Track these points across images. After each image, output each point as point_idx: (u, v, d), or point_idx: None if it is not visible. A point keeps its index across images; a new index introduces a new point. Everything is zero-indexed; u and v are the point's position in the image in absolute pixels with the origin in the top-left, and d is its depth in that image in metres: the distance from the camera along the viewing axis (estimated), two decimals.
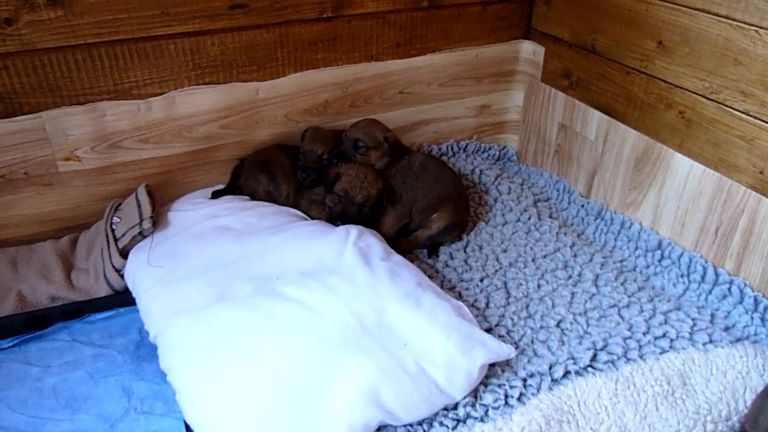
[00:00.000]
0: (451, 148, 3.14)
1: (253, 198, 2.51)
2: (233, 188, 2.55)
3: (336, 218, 2.31)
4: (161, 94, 2.36)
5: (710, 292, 2.10)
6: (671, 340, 1.91)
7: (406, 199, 2.47)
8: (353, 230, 2.16)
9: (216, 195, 2.50)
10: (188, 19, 2.26)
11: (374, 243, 2.14)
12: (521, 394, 1.73)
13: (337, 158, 2.46)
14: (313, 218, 2.42)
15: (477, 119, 3.16)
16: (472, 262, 2.37)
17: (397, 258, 2.11)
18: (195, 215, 2.31)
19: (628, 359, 1.85)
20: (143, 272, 2.10)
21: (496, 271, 2.33)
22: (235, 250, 2.11)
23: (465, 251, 2.45)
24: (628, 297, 2.13)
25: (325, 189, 2.42)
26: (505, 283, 2.25)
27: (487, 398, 1.70)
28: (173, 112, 2.40)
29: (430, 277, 2.22)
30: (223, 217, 2.30)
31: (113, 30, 2.17)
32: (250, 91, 2.49)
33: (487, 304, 2.14)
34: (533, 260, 2.41)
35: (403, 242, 2.45)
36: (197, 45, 2.33)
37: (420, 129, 3.05)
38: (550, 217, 2.70)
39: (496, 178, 2.93)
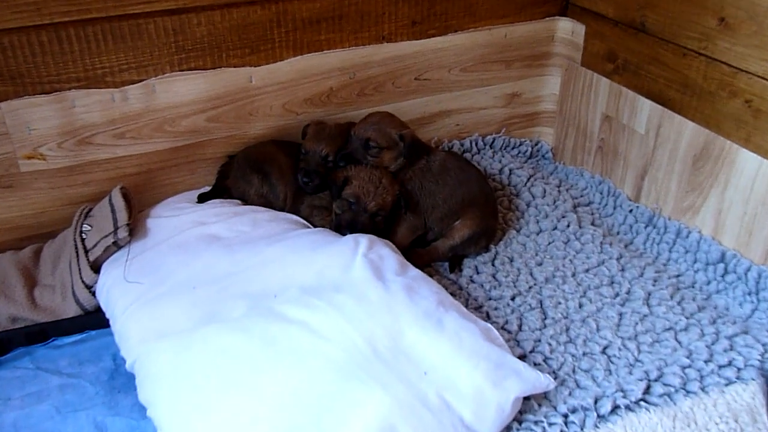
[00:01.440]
0: (476, 144, 3.11)
1: (245, 202, 2.53)
2: (221, 190, 2.57)
3: (344, 227, 2.33)
4: (139, 81, 2.36)
5: None
6: (738, 370, 1.90)
7: (424, 206, 2.48)
8: (363, 240, 2.18)
9: (202, 198, 2.51)
10: None
11: (387, 255, 2.14)
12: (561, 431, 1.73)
13: (345, 160, 2.46)
14: (315, 226, 2.43)
15: (506, 110, 3.13)
16: (502, 277, 2.38)
17: (415, 272, 2.12)
18: (178, 222, 2.32)
19: (688, 392, 1.84)
20: (118, 289, 2.10)
21: (530, 287, 2.33)
22: (225, 263, 2.12)
23: (493, 264, 2.47)
24: (687, 318, 2.12)
25: (331, 194, 2.43)
26: (540, 302, 2.26)
27: None
28: (153, 102, 2.40)
29: (452, 294, 2.21)
30: (211, 224, 2.31)
31: (84, 7, 2.17)
32: (242, 77, 2.50)
33: (520, 327, 2.14)
34: (573, 275, 2.37)
35: (421, 254, 2.47)
36: (180, 24, 2.33)
37: (439, 122, 3.03)
38: (593, 224, 2.63)
39: (528, 179, 2.90)
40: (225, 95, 2.51)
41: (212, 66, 2.45)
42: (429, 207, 2.50)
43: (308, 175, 2.47)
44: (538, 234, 2.62)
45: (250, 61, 2.51)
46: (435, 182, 2.51)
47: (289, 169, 2.54)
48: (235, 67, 2.49)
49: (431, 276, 2.28)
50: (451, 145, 3.08)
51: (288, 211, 2.50)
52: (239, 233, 2.28)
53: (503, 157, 3.04)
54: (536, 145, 3.21)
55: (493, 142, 3.12)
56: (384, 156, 2.48)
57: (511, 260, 2.48)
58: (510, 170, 2.95)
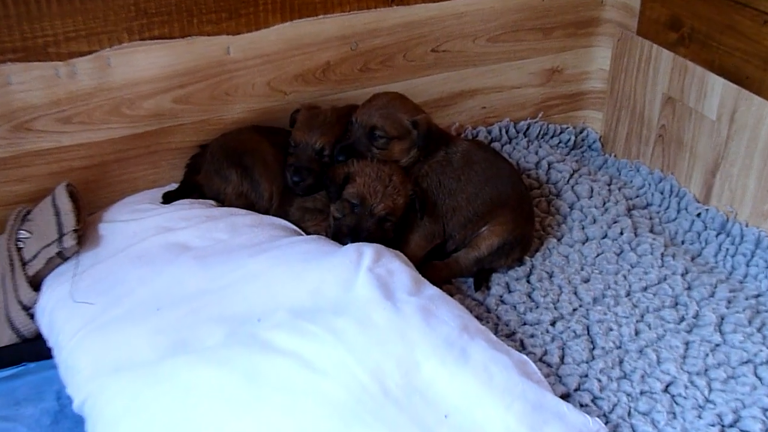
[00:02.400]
0: (507, 132, 3.05)
1: (221, 202, 2.56)
2: (190, 188, 2.60)
3: (345, 234, 2.36)
4: (90, 53, 2.38)
5: None
6: None
7: (443, 208, 2.52)
8: (368, 250, 2.20)
9: (168, 198, 2.53)
10: None
11: (398, 269, 2.17)
12: None
13: (345, 154, 2.49)
14: (308, 233, 2.47)
15: (544, 89, 3.08)
16: (539, 296, 2.40)
17: (432, 291, 2.15)
18: (139, 228, 2.35)
19: None
20: (65, 311, 2.11)
21: (575, 310, 2.35)
22: (197, 278, 2.14)
23: (528, 281, 2.49)
24: None
25: (329, 195, 2.47)
26: (587, 328, 2.28)
27: None
28: (107, 79, 2.42)
29: (478, 318, 2.23)
30: (179, 230, 2.33)
31: None
32: (218, 48, 2.52)
33: (563, 359, 2.16)
34: (628, 294, 2.38)
35: (440, 268, 2.50)
36: None
37: (462, 104, 2.97)
38: (652, 231, 2.63)
39: (571, 175, 2.86)
40: (196, 70, 2.52)
41: (181, 34, 2.46)
42: (449, 210, 2.53)
43: (299, 173, 2.50)
44: (583, 243, 2.60)
45: (227, 28, 2.52)
46: (456, 179, 2.54)
47: (276, 161, 2.57)
48: (208, 35, 2.50)
49: (452, 295, 2.29)
50: (476, 133, 3.06)
51: (274, 215, 2.53)
52: (214, 242, 2.29)
53: (540, 147, 3.03)
54: (581, 132, 3.20)
55: (527, 129, 3.11)
56: (393, 148, 2.51)
57: (551, 276, 2.49)
58: (549, 164, 2.94)
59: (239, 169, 2.53)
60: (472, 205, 2.53)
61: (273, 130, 2.67)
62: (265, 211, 2.55)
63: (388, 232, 2.41)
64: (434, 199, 2.51)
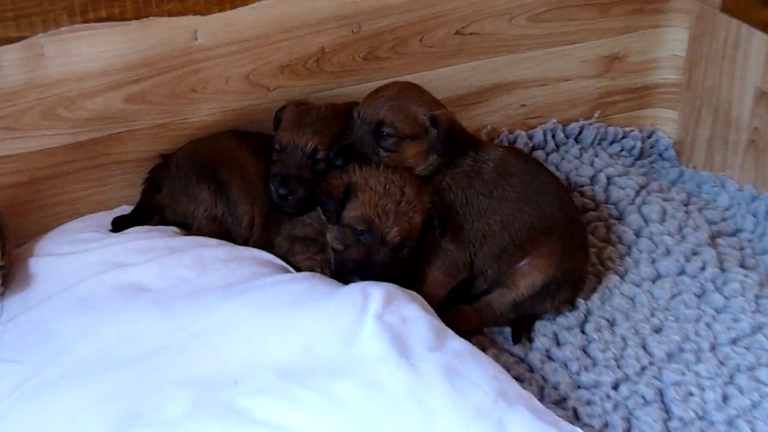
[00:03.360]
0: (554, 136, 3.10)
1: (187, 230, 2.57)
2: (148, 211, 2.61)
3: (353, 271, 2.36)
4: (19, 39, 2.39)
5: None
6: None
7: (470, 233, 2.54)
8: (375, 291, 2.21)
9: (119, 225, 2.54)
10: None
11: (416, 315, 2.18)
12: None
13: (343, 157, 2.50)
14: (299, 269, 2.47)
15: (601, 82, 3.10)
16: (597, 351, 2.40)
17: (459, 345, 2.15)
18: (80, 264, 2.35)
19: None
20: None
21: (644, 368, 2.33)
22: (156, 329, 2.14)
23: (583, 331, 2.49)
24: None
25: (325, 214, 2.47)
26: (660, 393, 2.26)
27: None
28: (41, 72, 2.43)
29: (518, 379, 2.22)
30: (132, 267, 2.34)
31: None
32: (182, 33, 2.54)
33: None
34: (713, 348, 2.36)
35: (467, 314, 2.52)
36: None
37: (495, 101, 3.02)
38: (743, 265, 2.62)
39: (638, 193, 2.85)
40: (155, 61, 2.54)
41: (135, 15, 2.48)
42: (478, 235, 2.54)
43: (286, 184, 2.51)
44: (654, 281, 2.59)
45: (194, 6, 2.53)
46: (488, 196, 2.55)
47: (259, 176, 2.59)
48: (170, 15, 2.52)
49: (484, 349, 2.30)
50: (514, 139, 3.06)
51: (256, 245, 2.55)
52: (178, 281, 2.30)
53: (597, 156, 3.04)
54: (649, 137, 3.19)
55: (580, 132, 3.12)
56: (406, 150, 2.52)
57: (612, 324, 2.48)
58: (608, 178, 2.92)
59: (212, 186, 2.55)
60: (508, 230, 2.53)
61: (254, 135, 2.70)
62: (244, 241, 2.56)
63: (402, 263, 2.43)
64: (459, 221, 2.52)
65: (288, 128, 2.57)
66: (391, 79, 2.77)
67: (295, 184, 2.50)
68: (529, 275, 2.50)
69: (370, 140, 2.51)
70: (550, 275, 2.50)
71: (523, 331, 2.49)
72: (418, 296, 2.32)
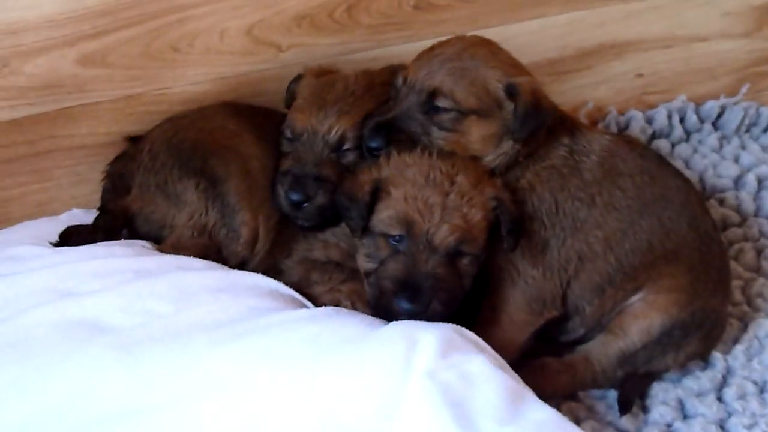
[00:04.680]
0: (683, 121, 3.04)
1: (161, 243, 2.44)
2: (115, 222, 2.56)
3: (394, 293, 2.31)
4: None
5: None
6: None
7: (560, 253, 2.50)
8: (427, 337, 2.17)
9: (71, 239, 2.48)
10: None
11: (482, 371, 2.14)
12: None
13: (381, 137, 2.45)
14: (319, 303, 2.47)
15: (752, 43, 3.06)
16: (741, 428, 2.36)
17: (542, 414, 2.12)
18: (15, 290, 2.36)
19: None
20: None
21: None
22: (118, 387, 2.13)
23: (720, 398, 2.45)
24: None
25: (347, 225, 2.44)
26: None
27: None
28: None
29: None
30: (85, 296, 2.33)
31: None
32: None
33: None
34: None
35: (556, 370, 2.53)
36: None
37: (600, 68, 2.96)
38: None
39: None
40: (121, 7, 2.52)
41: None
42: (572, 257, 2.51)
43: (300, 186, 2.49)
44: None
45: None
46: (588, 202, 2.52)
47: (266, 173, 2.55)
48: None
49: (578, 422, 2.30)
50: (627, 122, 2.97)
51: (258, 270, 2.51)
52: (149, 318, 2.28)
53: (744, 149, 2.95)
54: None
55: (721, 114, 3.03)
56: (470, 130, 2.50)
57: (763, 390, 2.48)
58: (760, 181, 2.83)
59: (201, 183, 2.54)
60: (615, 252, 2.49)
61: (261, 113, 2.65)
62: (241, 263, 2.54)
63: (466, 279, 2.37)
64: (545, 235, 2.46)
65: (305, 108, 2.51)
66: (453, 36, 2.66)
67: (312, 186, 2.47)
68: (644, 317, 2.44)
69: (420, 115, 2.46)
70: (673, 317, 2.43)
71: (634, 397, 2.43)
72: (486, 345, 2.27)
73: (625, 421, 2.41)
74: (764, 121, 3.08)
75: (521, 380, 2.20)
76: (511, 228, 2.36)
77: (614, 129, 2.94)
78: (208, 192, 2.51)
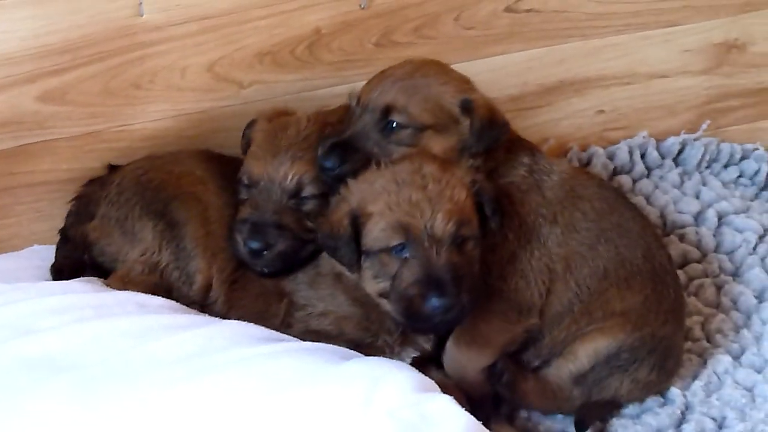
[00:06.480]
0: (644, 156, 3.05)
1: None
2: (72, 251, 2.59)
3: (423, 296, 2.29)
4: None
5: None
6: None
7: (531, 262, 2.54)
8: (389, 375, 2.16)
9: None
10: None
11: (444, 412, 2.09)
12: None
13: (336, 158, 2.45)
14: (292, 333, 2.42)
15: (711, 80, 3.06)
16: None
17: None
18: None
19: None
20: None
21: None
22: (76, 423, 2.11)
23: None
24: None
25: (342, 262, 2.44)
26: None
27: None
28: None
29: None
30: (43, 333, 2.32)
31: None
32: (122, 6, 2.54)
33: None
34: None
35: (526, 384, 2.52)
36: None
37: (562, 104, 2.97)
38: None
39: (761, 238, 2.84)
40: (82, 44, 2.53)
41: None
42: (542, 268, 2.53)
43: (259, 235, 2.48)
44: None
45: None
46: (550, 218, 2.55)
47: (223, 221, 2.59)
48: None
49: None
50: (588, 158, 2.99)
51: (217, 313, 2.55)
52: (107, 354, 2.26)
53: (705, 185, 2.95)
54: None
55: (681, 151, 3.05)
56: (428, 145, 2.50)
57: (721, 427, 2.42)
58: (720, 216, 2.85)
59: (159, 225, 2.53)
60: (575, 275, 2.51)
61: (232, 162, 2.64)
62: (194, 303, 2.54)
63: (475, 265, 2.37)
64: (509, 246, 2.50)
65: (259, 155, 2.52)
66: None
67: (272, 234, 2.46)
68: (591, 340, 2.47)
69: (376, 134, 2.47)
70: (619, 341, 2.45)
71: (591, 420, 2.45)
72: (450, 384, 2.29)
73: None
74: (725, 157, 3.09)
75: (483, 425, 2.17)
76: (494, 206, 2.41)
77: (574, 162, 2.91)
78: (164, 233, 2.53)
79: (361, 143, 2.45)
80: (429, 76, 2.52)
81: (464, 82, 2.55)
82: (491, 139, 2.47)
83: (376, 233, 2.33)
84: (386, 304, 2.37)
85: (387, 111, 2.44)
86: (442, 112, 2.48)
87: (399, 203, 2.32)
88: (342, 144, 2.44)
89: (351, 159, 2.43)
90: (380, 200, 2.33)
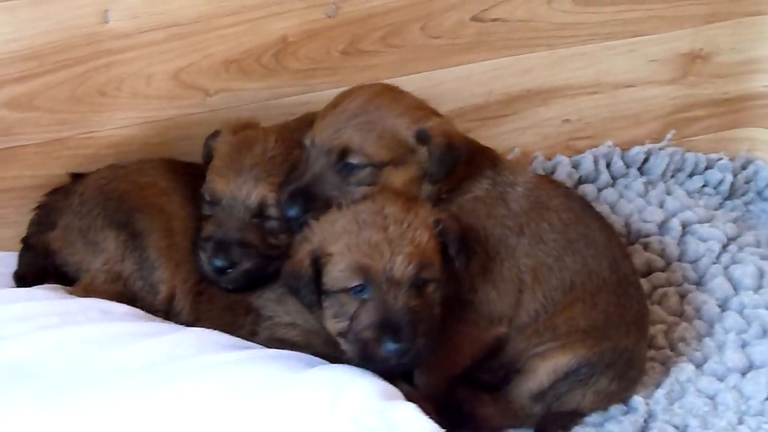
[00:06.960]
0: (609, 165, 3.06)
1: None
2: (34, 258, 2.59)
3: (378, 340, 2.29)
4: None
5: None
6: None
7: (502, 272, 2.52)
8: (354, 382, 2.18)
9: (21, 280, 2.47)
10: None
11: (409, 420, 2.10)
12: None
13: (297, 205, 2.44)
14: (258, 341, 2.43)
15: (676, 90, 3.08)
16: None
17: None
18: None
19: None
20: None
21: None
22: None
23: None
24: None
25: (303, 303, 2.44)
26: None
27: None
28: None
29: None
30: (6, 340, 2.31)
31: None
32: (88, 12, 2.55)
33: None
34: None
35: (485, 399, 2.50)
36: None
37: (527, 113, 2.97)
38: None
39: (725, 247, 2.86)
40: (48, 51, 2.54)
41: None
42: (513, 278, 2.52)
43: (223, 253, 2.48)
44: (744, 375, 2.58)
45: None
46: (516, 230, 2.54)
47: (187, 233, 2.59)
48: None
49: None
50: (553, 167, 3.00)
51: (184, 321, 2.55)
52: (71, 361, 2.25)
53: (669, 194, 2.97)
54: (744, 168, 3.15)
55: (646, 160, 3.06)
56: (389, 180, 2.50)
57: None
58: (684, 225, 2.87)
59: (122, 236, 2.53)
60: (543, 286, 2.51)
61: (197, 173, 2.62)
62: (158, 311, 2.54)
63: (435, 308, 2.36)
64: (478, 260, 2.46)
65: (222, 171, 2.51)
66: (379, 82, 2.68)
67: (236, 252, 2.46)
68: (551, 358, 2.46)
69: (333, 176, 2.46)
70: (579, 357, 2.46)
71: (553, 430, 2.47)
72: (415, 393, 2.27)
73: None
74: (689, 166, 3.12)
75: (465, 406, 2.20)
76: (459, 246, 2.39)
77: (540, 171, 2.92)
78: (127, 243, 2.53)
79: (320, 188, 2.45)
80: (382, 108, 2.50)
81: (418, 109, 2.54)
82: (451, 164, 2.48)
83: (335, 274, 2.33)
84: (344, 344, 2.36)
85: (343, 153, 2.44)
86: (399, 146, 2.48)
87: (359, 244, 2.31)
88: (302, 191, 2.43)
89: (313, 206, 2.42)
90: (341, 241, 2.33)
